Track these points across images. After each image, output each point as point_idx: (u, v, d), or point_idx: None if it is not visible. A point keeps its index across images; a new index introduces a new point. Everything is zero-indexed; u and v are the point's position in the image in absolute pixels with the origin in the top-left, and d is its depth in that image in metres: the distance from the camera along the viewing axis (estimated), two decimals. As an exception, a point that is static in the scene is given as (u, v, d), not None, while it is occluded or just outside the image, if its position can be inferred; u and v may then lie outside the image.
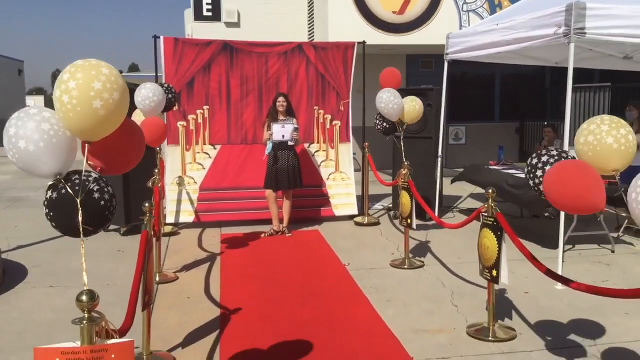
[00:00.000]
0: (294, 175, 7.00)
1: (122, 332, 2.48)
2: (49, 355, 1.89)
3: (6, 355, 3.81)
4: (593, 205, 2.77)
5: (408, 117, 6.87)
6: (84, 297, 1.94)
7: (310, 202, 7.89)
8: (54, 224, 2.30)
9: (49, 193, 2.25)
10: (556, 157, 3.09)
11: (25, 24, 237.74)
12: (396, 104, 6.70)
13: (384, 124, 7.19)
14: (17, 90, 32.09)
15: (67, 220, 2.21)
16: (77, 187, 2.25)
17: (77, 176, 2.29)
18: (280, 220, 7.17)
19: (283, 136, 6.80)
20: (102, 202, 2.30)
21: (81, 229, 2.16)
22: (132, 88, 6.15)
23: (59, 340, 3.84)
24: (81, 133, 2.28)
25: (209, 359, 3.76)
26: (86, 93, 2.19)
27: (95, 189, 2.30)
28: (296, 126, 6.92)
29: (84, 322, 1.93)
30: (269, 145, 6.94)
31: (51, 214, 2.25)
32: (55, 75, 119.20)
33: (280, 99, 6.92)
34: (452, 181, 8.31)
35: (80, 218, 2.18)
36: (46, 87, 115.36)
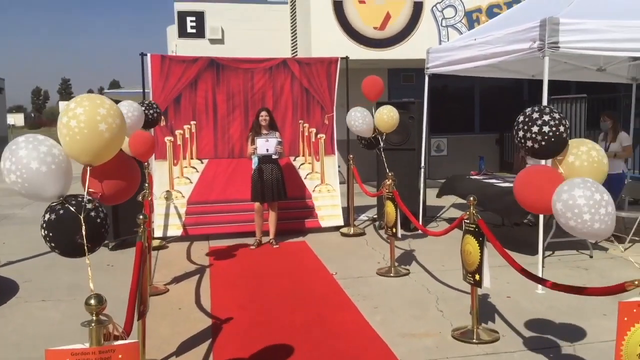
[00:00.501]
0: (279, 188, 7.14)
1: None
2: (60, 356, 2.00)
3: (3, 367, 3.88)
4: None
5: (384, 127, 7.04)
6: (92, 301, 2.05)
7: (296, 214, 8.03)
8: (53, 244, 2.40)
9: (47, 215, 2.37)
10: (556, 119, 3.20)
11: (4, 42, 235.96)
12: (365, 122, 6.87)
13: (368, 138, 7.39)
14: (-2, 108, 31.84)
15: (67, 239, 2.33)
16: (77, 207, 2.39)
17: (74, 199, 2.43)
18: (267, 233, 7.29)
19: (267, 150, 6.94)
20: (99, 220, 2.43)
21: (85, 242, 2.27)
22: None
23: (55, 351, 3.93)
24: (86, 155, 2.46)
25: (203, 366, 3.86)
26: (93, 117, 2.42)
27: (91, 208, 2.44)
28: (280, 140, 7.07)
29: (93, 324, 2.04)
30: (255, 160, 7.07)
31: (51, 234, 2.36)
32: (35, 93, 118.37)
33: (263, 113, 7.06)
34: (439, 195, 8.49)
35: (84, 232, 2.29)
36: (26, 104, 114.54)
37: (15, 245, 7.53)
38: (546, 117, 3.12)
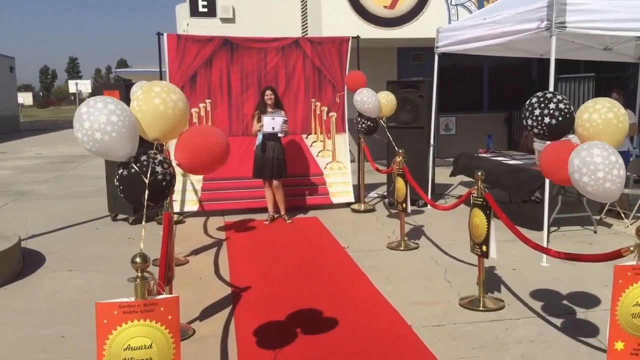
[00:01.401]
0: (279, 167, 7.27)
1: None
2: (109, 309, 2.24)
3: (39, 329, 4.15)
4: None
5: (386, 111, 7.34)
6: (137, 259, 2.28)
7: (308, 191, 8.26)
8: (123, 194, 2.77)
9: (121, 170, 2.74)
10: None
11: (14, 21, 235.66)
12: (372, 102, 7.14)
13: (368, 122, 7.63)
14: (9, 87, 32.12)
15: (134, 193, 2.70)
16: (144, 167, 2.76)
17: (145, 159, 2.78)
18: (277, 210, 7.52)
19: (273, 128, 7.07)
20: (164, 183, 2.81)
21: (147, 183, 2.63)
22: (127, 83, 6.48)
23: (87, 315, 4.21)
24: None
25: (225, 329, 4.11)
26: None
27: (159, 170, 2.80)
28: (285, 118, 7.17)
29: (138, 280, 2.27)
30: (259, 137, 7.23)
31: (121, 187, 2.74)
32: (43, 72, 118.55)
33: (268, 92, 7.18)
34: (452, 174, 8.64)
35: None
36: (34, 83, 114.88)
37: (38, 219, 7.81)
38: (559, 97, 3.33)
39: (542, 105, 3.36)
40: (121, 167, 2.72)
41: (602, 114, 3.13)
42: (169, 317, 2.29)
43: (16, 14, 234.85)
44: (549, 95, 3.37)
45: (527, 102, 3.46)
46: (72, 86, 50.12)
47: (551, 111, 3.32)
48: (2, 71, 30.65)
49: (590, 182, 2.99)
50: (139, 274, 2.27)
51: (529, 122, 3.42)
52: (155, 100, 2.88)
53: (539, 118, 3.37)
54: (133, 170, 2.64)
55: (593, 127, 3.14)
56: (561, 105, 3.30)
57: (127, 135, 2.64)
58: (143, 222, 2.60)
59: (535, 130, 3.42)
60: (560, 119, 3.31)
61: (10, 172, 12.94)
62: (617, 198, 3.10)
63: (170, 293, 3.94)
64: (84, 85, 51.99)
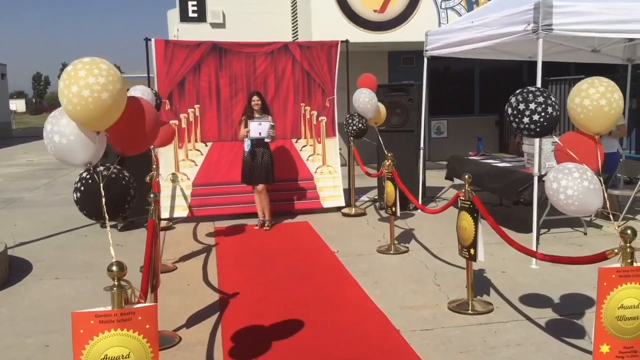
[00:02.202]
0: (267, 172, 7.22)
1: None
2: (85, 318, 2.20)
3: (23, 339, 4.10)
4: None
5: (378, 118, 7.40)
6: (114, 268, 2.24)
7: (299, 195, 8.24)
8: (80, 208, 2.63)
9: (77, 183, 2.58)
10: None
11: (6, 28, 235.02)
12: (373, 103, 7.19)
13: (360, 125, 7.63)
14: (0, 94, 31.98)
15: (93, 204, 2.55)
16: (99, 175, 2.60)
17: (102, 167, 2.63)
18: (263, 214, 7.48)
19: (260, 133, 7.04)
20: (124, 182, 2.67)
21: (105, 209, 2.48)
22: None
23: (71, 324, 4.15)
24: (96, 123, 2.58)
25: (211, 336, 4.08)
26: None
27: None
28: (272, 123, 7.13)
29: (115, 288, 2.24)
30: (247, 142, 7.16)
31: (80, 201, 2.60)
32: (36, 78, 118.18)
33: (255, 97, 7.12)
34: (446, 177, 8.62)
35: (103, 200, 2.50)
36: (27, 90, 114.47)
37: (26, 227, 7.75)
38: (532, 106, 3.29)
39: (517, 120, 3.36)
40: (78, 180, 2.65)
41: (594, 100, 3.11)
42: (147, 326, 2.26)
43: (7, 20, 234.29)
44: (521, 107, 3.36)
45: (505, 110, 3.45)
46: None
47: (526, 125, 3.32)
48: (-7, 78, 30.50)
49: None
50: (116, 283, 2.24)
51: (514, 124, 3.41)
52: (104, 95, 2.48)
53: (521, 131, 3.37)
54: (89, 182, 2.58)
55: (584, 112, 3.13)
56: (535, 117, 3.30)
57: (81, 140, 2.55)
58: (108, 228, 2.54)
59: (525, 132, 3.42)
60: (538, 130, 3.32)
61: (2, 180, 12.87)
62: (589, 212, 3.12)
63: (156, 300, 3.90)
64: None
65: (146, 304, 2.35)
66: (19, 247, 6.63)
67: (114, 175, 2.64)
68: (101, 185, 2.51)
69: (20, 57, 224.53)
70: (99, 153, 2.62)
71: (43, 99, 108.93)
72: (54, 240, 6.95)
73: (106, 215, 2.51)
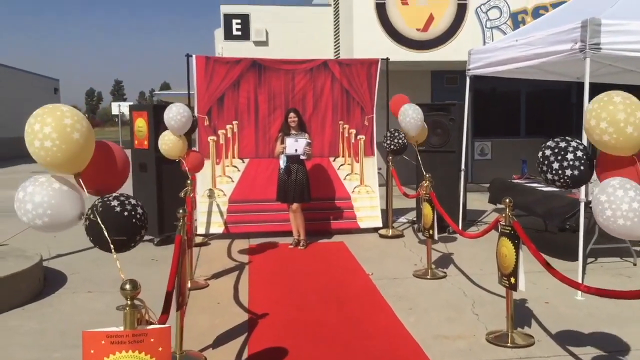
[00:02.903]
0: (302, 190, 7.10)
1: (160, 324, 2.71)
2: (96, 338, 2.13)
3: (50, 353, 4.08)
4: None
5: (420, 137, 7.21)
6: (127, 286, 2.17)
7: (335, 215, 8.11)
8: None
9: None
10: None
11: (60, 44, 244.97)
12: (420, 119, 7.02)
13: (400, 141, 7.46)
14: (53, 108, 33.11)
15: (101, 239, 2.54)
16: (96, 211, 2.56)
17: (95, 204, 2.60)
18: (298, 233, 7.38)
19: (296, 150, 6.95)
20: (126, 213, 2.56)
21: (110, 241, 2.41)
22: (164, 105, 6.54)
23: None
24: (71, 166, 2.60)
25: (237, 359, 3.97)
26: (63, 130, 2.51)
27: (115, 204, 2.58)
28: (309, 141, 7.02)
29: (127, 308, 2.16)
30: (283, 159, 7.10)
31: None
32: (89, 94, 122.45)
33: (292, 114, 7.05)
34: (490, 201, 8.33)
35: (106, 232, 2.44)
36: (80, 105, 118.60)
37: (65, 238, 7.83)
38: (573, 143, 3.11)
39: (560, 157, 3.13)
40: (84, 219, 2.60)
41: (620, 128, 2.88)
42: (160, 348, 2.17)
43: (63, 37, 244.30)
44: (563, 145, 3.15)
45: (541, 155, 3.26)
46: (115, 108, 51.62)
47: (570, 162, 3.09)
48: (47, 93, 31.69)
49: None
50: (129, 302, 2.16)
51: (549, 176, 3.20)
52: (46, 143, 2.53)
53: (560, 172, 3.14)
54: (92, 218, 2.51)
55: (614, 138, 2.90)
56: (579, 154, 3.09)
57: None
58: (114, 256, 2.46)
59: (558, 184, 3.21)
60: (582, 168, 3.10)
61: (46, 191, 13.18)
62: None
63: (182, 318, 3.82)
64: (126, 107, 53.36)
65: (159, 326, 2.26)
66: (55, 259, 6.70)
67: (126, 213, 2.57)
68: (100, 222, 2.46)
69: (75, 73, 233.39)
70: (83, 200, 2.61)
71: (95, 114, 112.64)
72: (90, 252, 6.99)
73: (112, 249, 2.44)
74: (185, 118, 6.06)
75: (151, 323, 2.23)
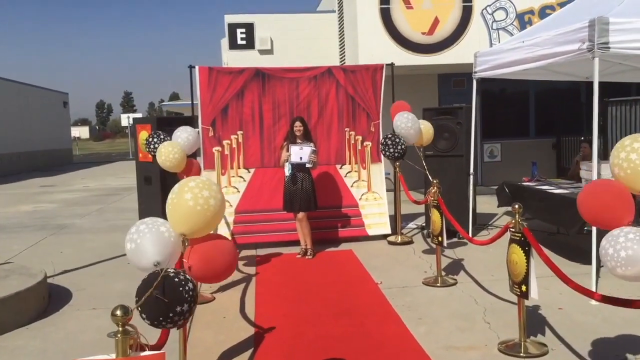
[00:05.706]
0: (308, 199, 7.01)
1: (157, 347, 2.62)
2: (87, 366, 2.04)
3: (52, 373, 4.01)
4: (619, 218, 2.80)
5: (424, 139, 7.11)
6: (118, 312, 2.08)
7: (343, 223, 8.00)
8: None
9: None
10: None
11: (69, 57, 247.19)
12: (416, 128, 6.96)
13: (399, 147, 7.36)
14: (62, 122, 33.36)
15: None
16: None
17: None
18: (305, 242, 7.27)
19: (301, 158, 6.85)
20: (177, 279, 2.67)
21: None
22: (167, 118, 6.52)
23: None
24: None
25: (243, 375, 3.88)
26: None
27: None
28: (314, 149, 6.93)
29: (119, 335, 2.07)
30: (288, 167, 7.01)
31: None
32: (99, 106, 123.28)
33: (297, 123, 6.97)
34: (499, 205, 8.18)
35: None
36: (91, 117, 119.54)
37: (72, 254, 7.81)
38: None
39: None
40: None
41: None
42: (153, 376, 2.08)
43: (71, 50, 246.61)
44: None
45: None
46: (124, 119, 52.03)
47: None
48: (56, 107, 31.87)
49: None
50: (120, 329, 2.07)
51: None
52: (187, 195, 2.94)
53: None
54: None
55: (631, 168, 2.80)
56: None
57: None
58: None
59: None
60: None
61: (55, 206, 13.19)
62: None
63: (185, 334, 3.73)
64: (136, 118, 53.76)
65: (153, 352, 2.17)
66: (62, 275, 6.65)
67: (176, 279, 2.64)
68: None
69: (85, 85, 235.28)
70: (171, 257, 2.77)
71: (106, 126, 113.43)
72: (96, 268, 6.95)
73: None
74: (193, 139, 6.11)
75: (145, 348, 2.14)
